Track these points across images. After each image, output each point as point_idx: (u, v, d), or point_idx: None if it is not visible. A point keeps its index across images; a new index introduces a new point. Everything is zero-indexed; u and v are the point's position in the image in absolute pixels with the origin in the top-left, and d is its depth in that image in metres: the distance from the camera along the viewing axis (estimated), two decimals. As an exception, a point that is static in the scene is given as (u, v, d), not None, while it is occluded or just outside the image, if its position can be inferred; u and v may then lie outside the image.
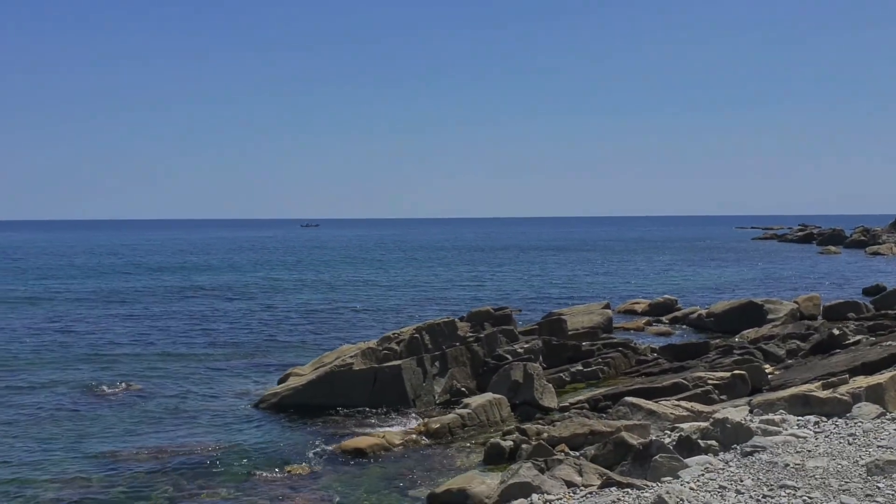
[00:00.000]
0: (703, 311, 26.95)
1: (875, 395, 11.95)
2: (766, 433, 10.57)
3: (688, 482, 8.65)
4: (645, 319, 27.78)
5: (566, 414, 14.46)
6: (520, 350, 18.42)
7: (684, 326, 26.74)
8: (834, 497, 7.94)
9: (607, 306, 26.67)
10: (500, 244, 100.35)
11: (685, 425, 12.11)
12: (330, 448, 12.94)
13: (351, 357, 16.24)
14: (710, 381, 15.25)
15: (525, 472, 9.56)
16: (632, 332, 25.59)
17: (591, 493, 8.93)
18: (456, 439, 13.42)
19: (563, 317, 23.44)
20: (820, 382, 13.24)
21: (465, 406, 14.41)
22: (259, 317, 29.80)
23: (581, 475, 9.62)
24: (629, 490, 8.67)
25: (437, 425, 13.68)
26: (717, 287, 39.82)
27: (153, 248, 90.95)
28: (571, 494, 9.01)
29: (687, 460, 9.54)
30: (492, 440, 12.47)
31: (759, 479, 8.64)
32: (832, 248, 72.22)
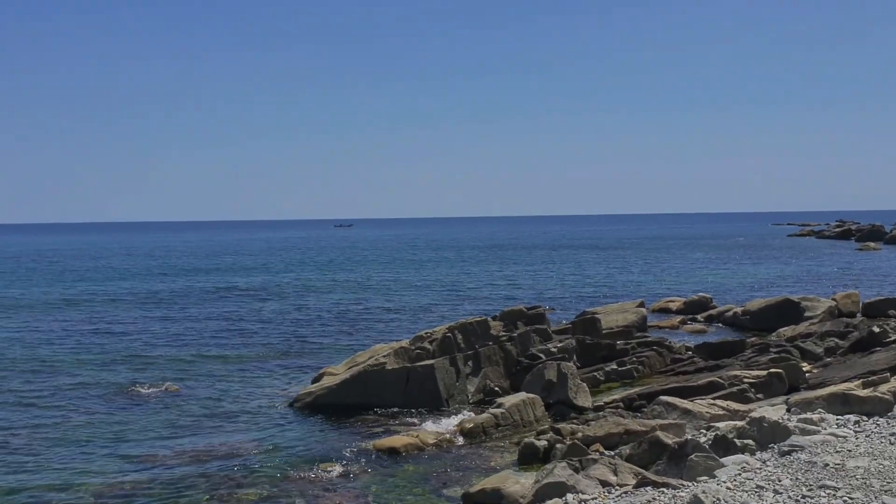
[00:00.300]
0: (739, 309, 26.66)
1: (917, 393, 11.75)
2: (804, 432, 10.43)
3: (724, 482, 8.56)
4: (679, 318, 27.54)
5: (601, 413, 14.38)
6: (553, 349, 18.34)
7: (719, 324, 26.47)
8: (876, 498, 7.81)
9: (641, 305, 26.49)
10: (531, 243, 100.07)
11: (721, 424, 11.99)
12: (364, 447, 12.99)
13: (384, 356, 16.29)
14: (746, 380, 15.08)
15: (560, 471, 9.52)
16: (666, 330, 25.39)
17: (626, 492, 8.88)
18: (490, 439, 13.40)
19: (596, 315, 23.32)
20: (860, 381, 13.04)
21: (499, 406, 14.38)
22: (293, 317, 30.02)
23: (616, 475, 9.56)
24: (665, 489, 8.60)
25: (471, 425, 13.68)
26: (753, 285, 39.35)
27: (188, 250, 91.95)
28: (606, 494, 8.96)
29: (723, 460, 9.45)
30: (526, 440, 12.44)
31: (797, 478, 8.52)
32: (871, 244, 71.07)
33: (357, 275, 50.98)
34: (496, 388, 16.68)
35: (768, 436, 10.40)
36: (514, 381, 16.97)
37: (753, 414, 11.59)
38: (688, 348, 20.16)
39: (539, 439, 12.35)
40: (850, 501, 7.74)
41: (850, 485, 8.21)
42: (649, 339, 21.18)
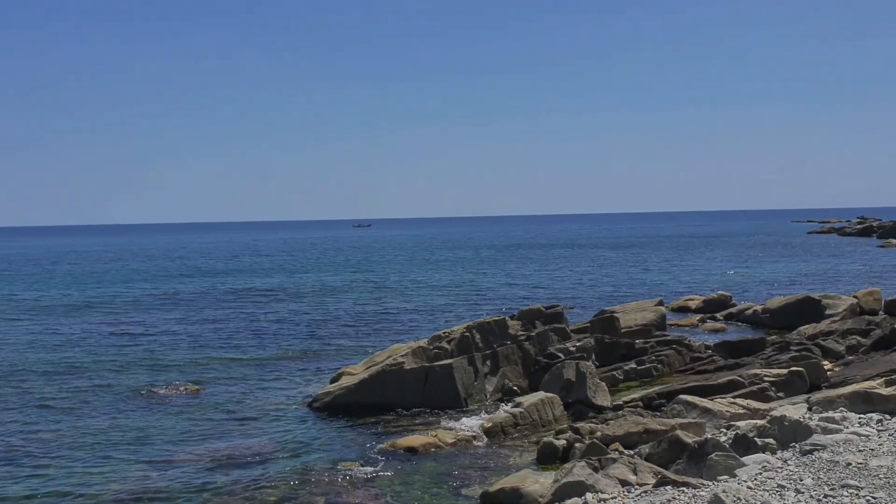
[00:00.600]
0: (759, 307, 26.48)
1: (940, 391, 11.62)
2: (826, 431, 10.34)
3: (745, 481, 8.50)
4: (699, 316, 27.40)
5: (620, 412, 14.34)
6: (572, 348, 18.29)
7: (739, 323, 26.30)
8: (898, 496, 7.73)
9: (660, 303, 26.36)
10: (549, 241, 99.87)
11: (741, 423, 11.91)
12: (383, 446, 13.02)
13: (402, 356, 16.31)
14: (766, 378, 14.98)
15: (579, 470, 9.50)
16: (686, 329, 25.27)
17: (645, 491, 8.84)
18: (508, 438, 13.39)
19: (615, 314, 23.23)
20: (882, 379, 12.92)
21: (518, 405, 14.37)
22: (311, 317, 30.11)
23: (635, 474, 9.53)
24: (685, 489, 8.56)
25: (490, 424, 13.67)
26: (773, 283, 39.08)
27: (207, 252, 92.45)
28: (626, 493, 8.93)
29: (744, 459, 9.39)
30: (545, 439, 12.41)
31: (819, 478, 8.45)
32: (893, 240, 70.35)
33: (374, 275, 51.09)
34: (515, 388, 16.66)
35: (789, 435, 10.32)
36: (532, 380, 16.94)
37: (774, 413, 11.50)
38: (707, 347, 20.04)
39: (558, 439, 12.32)
40: (872, 501, 7.67)
41: (872, 484, 8.13)
42: (668, 337, 21.07)
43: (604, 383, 15.65)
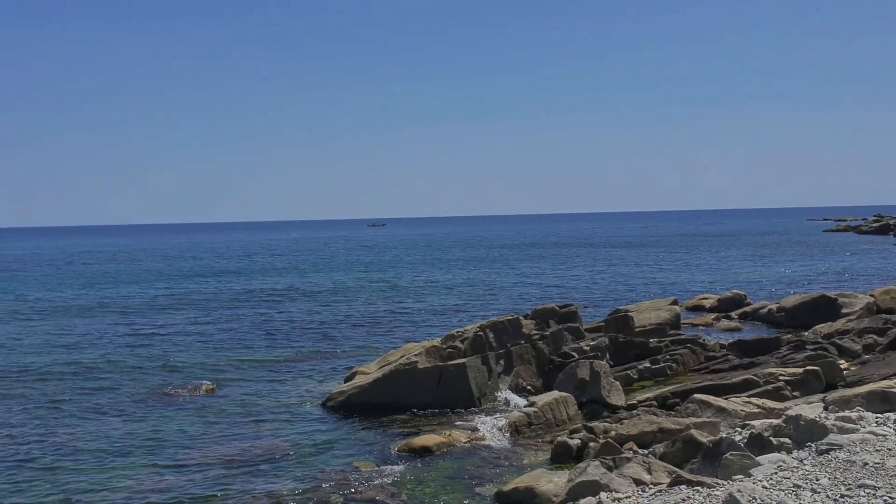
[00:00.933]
0: (774, 306, 26.33)
1: (958, 390, 11.52)
2: (842, 431, 10.27)
3: (760, 480, 8.45)
4: (714, 315, 27.26)
5: (634, 412, 14.29)
6: (586, 347, 18.25)
7: (754, 322, 26.16)
8: (916, 496, 7.67)
9: (675, 302, 26.27)
10: (562, 240, 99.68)
11: (756, 422, 11.84)
12: (397, 446, 13.03)
13: (415, 355, 16.32)
14: (781, 378, 14.89)
15: (593, 470, 9.47)
16: (700, 328, 25.16)
17: (660, 491, 8.81)
18: (522, 438, 13.37)
19: (629, 313, 23.15)
20: (899, 378, 12.81)
21: (532, 404, 14.35)
22: (324, 316, 30.19)
23: (650, 473, 9.49)
24: (699, 488, 8.52)
25: (504, 423, 13.65)
26: (788, 281, 38.86)
27: (220, 252, 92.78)
28: (640, 493, 8.89)
29: (759, 458, 9.34)
30: (559, 438, 12.39)
31: (835, 478, 8.39)
32: (910, 239, 69.82)
33: (388, 274, 51.15)
34: (528, 387, 16.63)
35: (805, 434, 10.26)
36: (546, 379, 16.91)
37: (790, 412, 11.44)
38: (722, 346, 19.94)
39: (572, 438, 12.30)
40: (890, 501, 7.61)
41: (889, 484, 8.07)
42: (683, 336, 20.99)
43: (618, 382, 15.61)
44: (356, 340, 24.42)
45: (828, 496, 7.84)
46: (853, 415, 11.13)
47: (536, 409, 14.02)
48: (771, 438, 10.24)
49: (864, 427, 10.47)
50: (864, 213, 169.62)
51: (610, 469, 9.68)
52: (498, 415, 14.67)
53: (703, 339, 20.48)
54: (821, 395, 13.58)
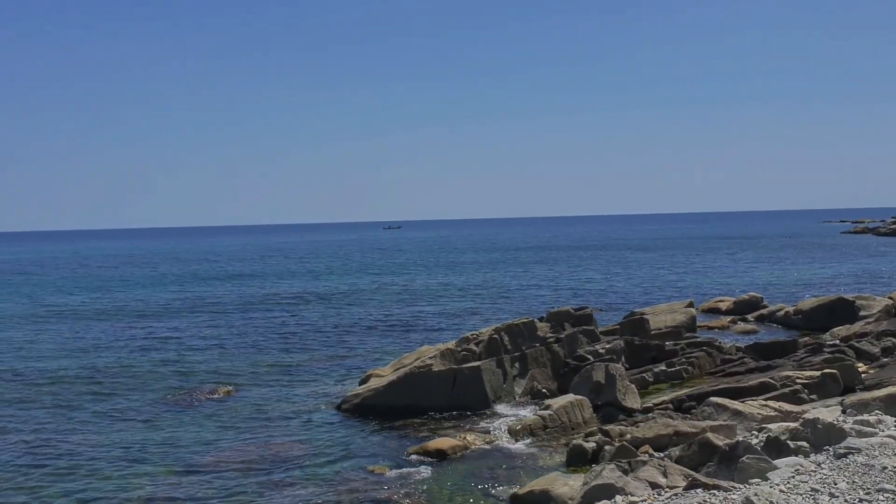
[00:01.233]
0: (791, 309, 26.16)
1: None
2: (860, 434, 10.18)
3: (777, 484, 8.39)
4: (730, 318, 27.15)
5: (650, 415, 14.23)
6: (601, 350, 18.20)
7: (771, 324, 26.03)
8: (935, 501, 7.59)
9: (691, 305, 26.14)
10: (576, 243, 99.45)
11: (773, 426, 11.76)
12: (412, 449, 13.02)
13: (430, 358, 16.31)
14: (798, 381, 14.79)
15: (608, 473, 9.44)
16: (716, 330, 25.04)
17: (676, 494, 8.75)
18: (538, 440, 13.34)
19: (645, 316, 23.08)
20: (918, 381, 12.70)
21: (547, 407, 14.31)
22: (339, 320, 30.23)
23: (666, 476, 9.44)
24: (715, 492, 8.46)
25: (519, 426, 13.63)
26: (805, 284, 38.61)
27: (235, 254, 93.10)
28: (656, 496, 8.85)
29: (776, 462, 9.27)
30: (574, 441, 12.36)
31: (854, 482, 8.32)
32: (928, 241, 69.23)
33: (401, 277, 51.17)
34: (544, 390, 16.59)
35: (823, 438, 10.18)
36: (561, 382, 16.86)
37: (807, 415, 11.35)
38: (738, 349, 19.84)
39: (587, 441, 12.26)
40: (909, 505, 7.54)
41: (909, 488, 7.99)
42: (699, 339, 20.89)
43: (633, 385, 15.55)
44: (370, 343, 24.44)
45: (846, 500, 7.78)
46: (871, 418, 11.04)
47: (552, 412, 13.98)
48: (788, 442, 10.16)
49: (882, 431, 10.38)
50: (881, 214, 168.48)
51: (625, 472, 9.64)
52: (513, 418, 14.65)
53: (719, 342, 20.37)
54: (838, 399, 13.48)
